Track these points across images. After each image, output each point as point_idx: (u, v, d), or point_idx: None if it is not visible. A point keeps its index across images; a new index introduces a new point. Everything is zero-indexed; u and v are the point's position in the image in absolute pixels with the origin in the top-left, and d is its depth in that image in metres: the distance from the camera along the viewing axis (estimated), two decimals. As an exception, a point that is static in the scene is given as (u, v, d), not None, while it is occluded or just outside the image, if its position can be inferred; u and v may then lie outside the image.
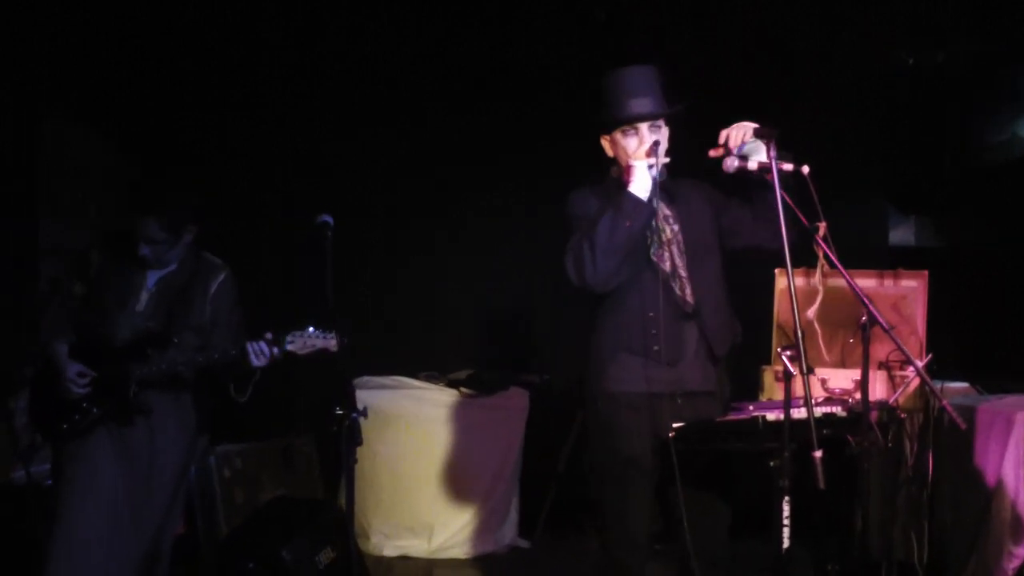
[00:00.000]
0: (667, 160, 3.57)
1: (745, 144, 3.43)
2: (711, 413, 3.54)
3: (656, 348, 3.53)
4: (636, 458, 3.54)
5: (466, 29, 6.24)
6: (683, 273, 3.60)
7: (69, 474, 3.98)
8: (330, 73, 6.56)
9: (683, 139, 3.76)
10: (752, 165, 3.39)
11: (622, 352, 3.59)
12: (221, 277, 4.23)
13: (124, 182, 6.24)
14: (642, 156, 3.53)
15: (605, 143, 3.71)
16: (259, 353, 3.91)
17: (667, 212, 3.64)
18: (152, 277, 4.14)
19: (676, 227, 3.64)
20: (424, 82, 6.62)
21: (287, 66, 6.46)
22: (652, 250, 3.59)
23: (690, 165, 3.70)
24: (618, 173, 3.67)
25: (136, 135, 6.30)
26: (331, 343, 3.87)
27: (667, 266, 3.59)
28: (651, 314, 3.54)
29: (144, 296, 4.12)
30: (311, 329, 3.90)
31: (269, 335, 3.91)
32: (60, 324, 4.11)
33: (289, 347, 3.91)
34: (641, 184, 3.51)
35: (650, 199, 3.52)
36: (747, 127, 3.43)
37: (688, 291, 3.59)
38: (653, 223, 3.59)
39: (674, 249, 3.61)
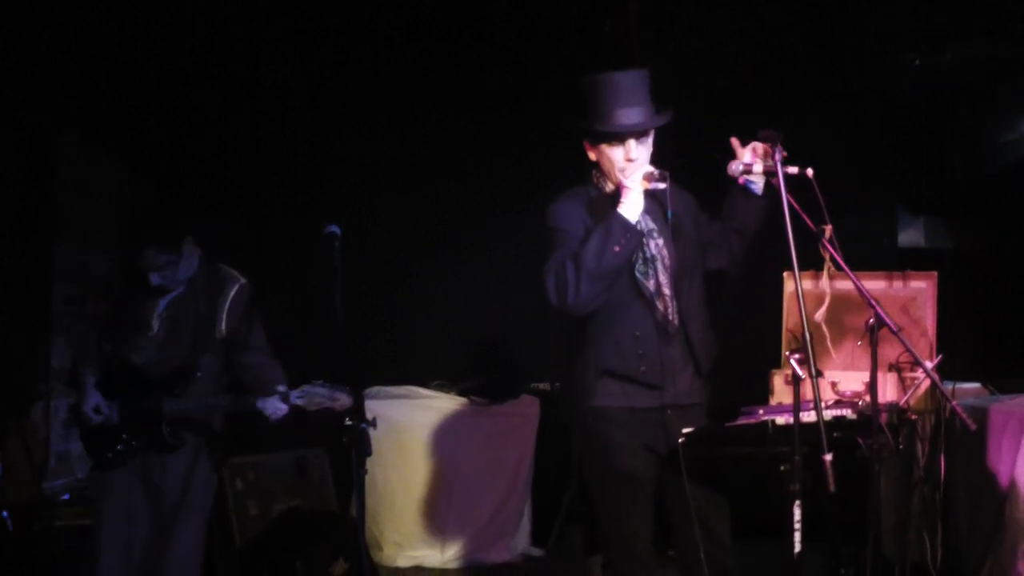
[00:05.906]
0: (664, 186, 3.38)
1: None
2: (701, 423, 3.48)
3: (643, 369, 3.43)
4: (631, 471, 3.43)
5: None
6: (667, 291, 3.47)
7: (106, 513, 4.03)
8: (335, 90, 6.58)
9: (679, 140, 3.71)
10: (757, 168, 3.36)
11: (608, 372, 3.45)
12: (235, 288, 4.14)
13: (133, 207, 6.26)
14: (639, 182, 3.38)
15: (588, 148, 3.55)
16: (275, 410, 3.94)
17: (651, 226, 3.51)
18: (163, 302, 4.10)
19: (660, 242, 3.50)
20: (435, 91, 6.63)
21: (291, 79, 6.46)
22: (636, 267, 3.46)
23: (687, 169, 3.64)
24: (600, 179, 3.55)
25: (146, 153, 6.32)
26: (339, 402, 3.83)
27: (651, 284, 3.47)
28: (637, 334, 3.44)
29: (156, 323, 4.09)
30: (322, 387, 3.88)
31: (282, 388, 3.93)
32: (88, 350, 4.13)
33: (297, 401, 3.91)
34: (633, 208, 3.37)
35: (638, 221, 3.39)
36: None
37: (672, 310, 3.47)
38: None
39: (658, 266, 3.48)
